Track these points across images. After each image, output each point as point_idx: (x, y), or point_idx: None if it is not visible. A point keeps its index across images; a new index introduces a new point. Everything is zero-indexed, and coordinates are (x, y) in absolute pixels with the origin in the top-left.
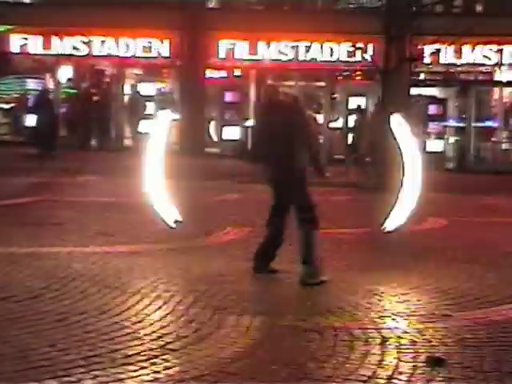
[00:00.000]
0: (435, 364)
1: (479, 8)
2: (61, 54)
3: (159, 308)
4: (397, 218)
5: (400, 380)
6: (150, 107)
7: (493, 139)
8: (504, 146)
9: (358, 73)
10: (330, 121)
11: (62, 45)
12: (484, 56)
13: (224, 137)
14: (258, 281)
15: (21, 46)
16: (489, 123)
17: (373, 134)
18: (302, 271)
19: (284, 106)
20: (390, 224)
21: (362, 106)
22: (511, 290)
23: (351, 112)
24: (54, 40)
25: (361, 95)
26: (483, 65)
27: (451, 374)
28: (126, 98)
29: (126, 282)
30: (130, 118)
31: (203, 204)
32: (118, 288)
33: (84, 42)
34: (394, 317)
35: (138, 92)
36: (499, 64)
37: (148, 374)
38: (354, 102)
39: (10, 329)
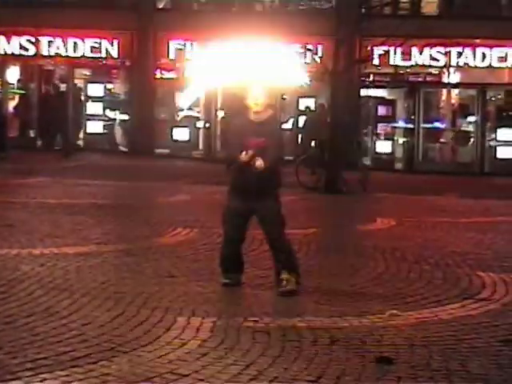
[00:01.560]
0: (384, 363)
1: (428, 9)
2: (8, 54)
3: (109, 310)
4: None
5: (349, 380)
6: (99, 107)
7: (441, 140)
8: (452, 147)
9: (308, 74)
10: (281, 122)
11: (9, 44)
12: (432, 58)
13: (175, 137)
14: (208, 282)
15: None
16: (437, 124)
17: (319, 134)
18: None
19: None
20: None
21: (312, 108)
22: (458, 289)
23: (301, 113)
24: (1, 39)
25: (310, 97)
26: (431, 66)
27: (399, 373)
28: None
29: (74, 283)
30: (75, 119)
31: (153, 205)
32: (66, 290)
33: (32, 42)
34: (342, 316)
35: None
36: (447, 66)
37: (97, 377)
38: (304, 104)
39: None
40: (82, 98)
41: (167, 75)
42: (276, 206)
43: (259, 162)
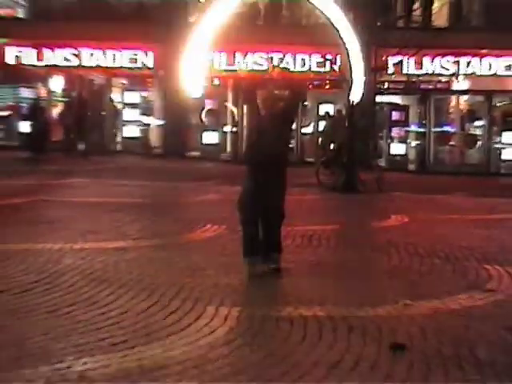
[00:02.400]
0: (398, 350)
1: (439, 22)
2: (52, 65)
3: (144, 300)
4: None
5: (365, 365)
6: (135, 113)
7: (450, 143)
8: (461, 149)
9: (328, 82)
10: (302, 126)
11: (53, 56)
12: (442, 67)
13: (204, 141)
14: (235, 274)
15: (15, 58)
16: (446, 128)
17: (338, 137)
18: (277, 258)
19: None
20: None
21: (331, 113)
22: (466, 281)
23: (321, 118)
24: (46, 52)
25: (330, 102)
26: (441, 75)
27: (412, 359)
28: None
29: (112, 275)
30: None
31: (184, 203)
32: (105, 281)
33: (74, 54)
34: (359, 306)
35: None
36: (456, 74)
37: (133, 361)
38: (324, 109)
39: (6, 319)
40: (119, 105)
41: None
42: (284, 184)
43: None
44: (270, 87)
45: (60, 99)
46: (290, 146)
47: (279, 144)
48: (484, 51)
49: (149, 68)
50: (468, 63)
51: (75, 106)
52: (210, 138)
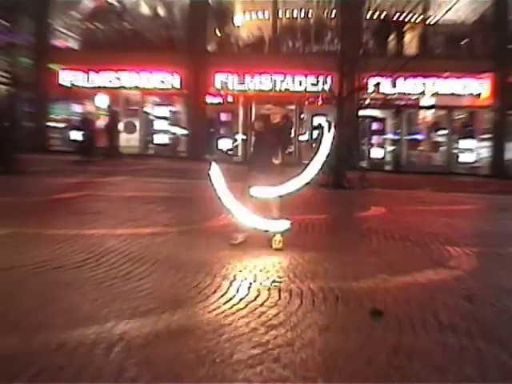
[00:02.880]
0: (376, 315)
1: (410, 50)
2: (98, 86)
3: (172, 275)
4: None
5: (350, 327)
6: (164, 124)
7: (419, 148)
8: (428, 153)
9: (320, 99)
10: (299, 134)
11: (99, 79)
12: (412, 86)
13: (220, 147)
14: (247, 253)
15: (68, 80)
16: (416, 136)
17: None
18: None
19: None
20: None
21: (322, 124)
22: (432, 260)
23: (314, 128)
24: (93, 75)
25: (322, 115)
26: (412, 93)
27: (388, 322)
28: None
29: (146, 255)
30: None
31: (204, 197)
32: (140, 260)
33: (116, 77)
34: (345, 280)
35: (146, 112)
36: (423, 93)
37: (162, 325)
38: (317, 121)
39: (62, 290)
40: (151, 117)
41: (214, 100)
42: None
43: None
44: (266, 113)
45: (104, 113)
46: (290, 150)
47: (272, 152)
48: (445, 74)
49: (175, 88)
50: (433, 84)
51: (109, 119)
52: (225, 144)
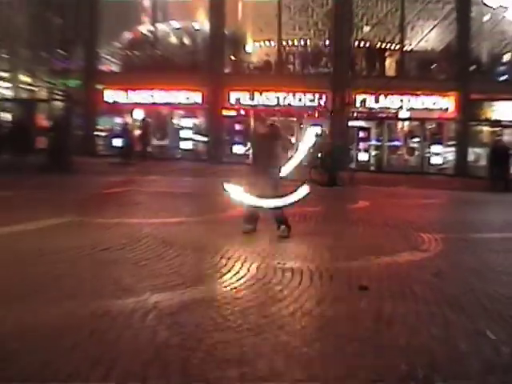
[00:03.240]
0: (363, 289)
1: (390, 73)
2: (135, 103)
3: (195, 256)
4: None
5: (342, 300)
6: (189, 133)
7: (398, 152)
8: (405, 157)
9: (316, 112)
10: (299, 142)
11: (135, 96)
12: (391, 102)
13: (234, 151)
14: (256, 238)
15: (111, 98)
16: (395, 143)
17: (323, 149)
18: (280, 229)
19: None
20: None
21: (318, 133)
22: (408, 244)
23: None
24: (131, 93)
25: (318, 125)
26: (391, 108)
27: (372, 295)
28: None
29: (173, 240)
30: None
31: (220, 192)
32: (169, 244)
33: (149, 95)
34: (337, 261)
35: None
36: (401, 107)
37: (188, 297)
38: (314, 130)
39: (108, 267)
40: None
41: (229, 113)
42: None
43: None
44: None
45: (139, 124)
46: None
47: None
48: (419, 92)
49: (198, 103)
50: (409, 100)
51: (143, 129)
52: (238, 149)
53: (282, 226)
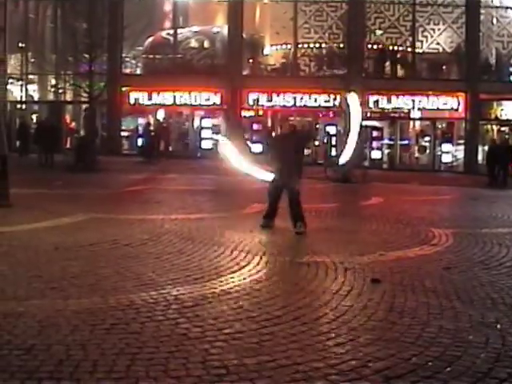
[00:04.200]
0: (375, 282)
1: (400, 74)
2: (157, 104)
3: (214, 251)
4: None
5: (355, 292)
6: (209, 132)
7: (410, 151)
8: (416, 155)
9: (331, 112)
10: (315, 140)
11: (158, 98)
12: (403, 102)
13: (252, 150)
14: (272, 235)
15: (134, 99)
16: (407, 141)
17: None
18: (297, 226)
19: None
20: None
21: (332, 132)
22: (419, 239)
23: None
24: (154, 95)
25: (333, 125)
26: (403, 108)
27: (385, 288)
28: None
29: (194, 235)
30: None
31: (239, 190)
32: (190, 239)
33: (171, 96)
34: (351, 255)
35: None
36: (412, 107)
37: (208, 289)
38: (329, 130)
39: (129, 262)
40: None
41: (248, 114)
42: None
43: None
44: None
45: (155, 126)
46: (306, 153)
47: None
48: (430, 93)
49: (217, 104)
50: (420, 101)
51: (165, 129)
52: (257, 147)
53: (299, 223)
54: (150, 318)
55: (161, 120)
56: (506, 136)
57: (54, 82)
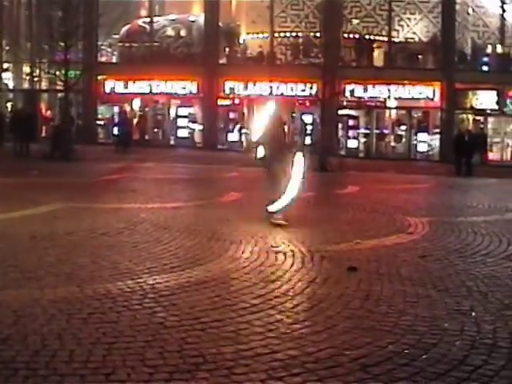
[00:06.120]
0: (352, 270)
1: (377, 63)
2: (133, 92)
3: (191, 239)
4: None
5: (332, 280)
6: (185, 121)
7: (386, 139)
8: (392, 144)
9: (307, 101)
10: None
11: (133, 87)
12: (379, 91)
13: (229, 139)
14: (249, 223)
15: (111, 88)
16: (383, 130)
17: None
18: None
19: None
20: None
21: (308, 121)
22: (395, 227)
23: (303, 123)
24: (130, 84)
25: (309, 113)
26: (379, 97)
27: (361, 276)
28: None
29: (170, 224)
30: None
31: (216, 178)
32: (166, 228)
33: (147, 85)
34: (328, 243)
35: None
36: (388, 97)
37: (184, 278)
38: (305, 119)
39: (106, 251)
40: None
41: (224, 103)
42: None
43: None
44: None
45: (138, 113)
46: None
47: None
48: (405, 82)
49: (193, 93)
50: (396, 90)
51: (140, 117)
52: (233, 136)
53: (273, 210)
54: (127, 308)
55: (136, 109)
56: (481, 125)
57: (29, 70)
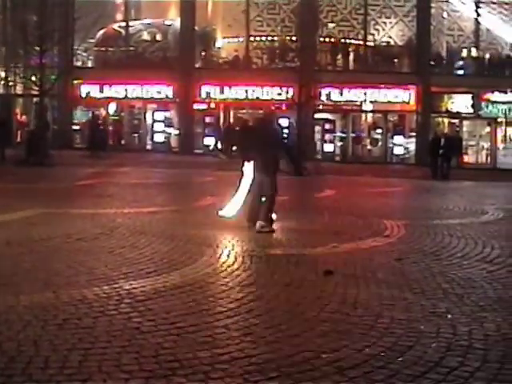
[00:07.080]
0: (328, 274)
1: (352, 67)
2: (109, 97)
3: (167, 244)
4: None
5: (308, 284)
6: (161, 126)
7: (362, 143)
8: (368, 147)
9: (284, 105)
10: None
11: (109, 91)
12: (355, 95)
13: (205, 143)
14: (224, 228)
15: (86, 92)
16: (359, 134)
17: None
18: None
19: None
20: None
21: (285, 124)
22: (371, 230)
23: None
24: (105, 88)
25: (285, 117)
26: (355, 100)
27: (337, 280)
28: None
29: (147, 229)
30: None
31: (192, 183)
32: (142, 233)
33: (123, 89)
34: (304, 247)
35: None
36: (364, 100)
37: (160, 283)
38: (281, 122)
39: (82, 256)
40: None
41: (200, 107)
42: (273, 179)
43: None
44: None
45: (113, 118)
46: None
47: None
48: (381, 86)
49: (169, 97)
50: (372, 94)
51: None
52: (208, 141)
53: (262, 222)
54: (103, 313)
55: (111, 113)
56: (457, 128)
57: (3, 74)
